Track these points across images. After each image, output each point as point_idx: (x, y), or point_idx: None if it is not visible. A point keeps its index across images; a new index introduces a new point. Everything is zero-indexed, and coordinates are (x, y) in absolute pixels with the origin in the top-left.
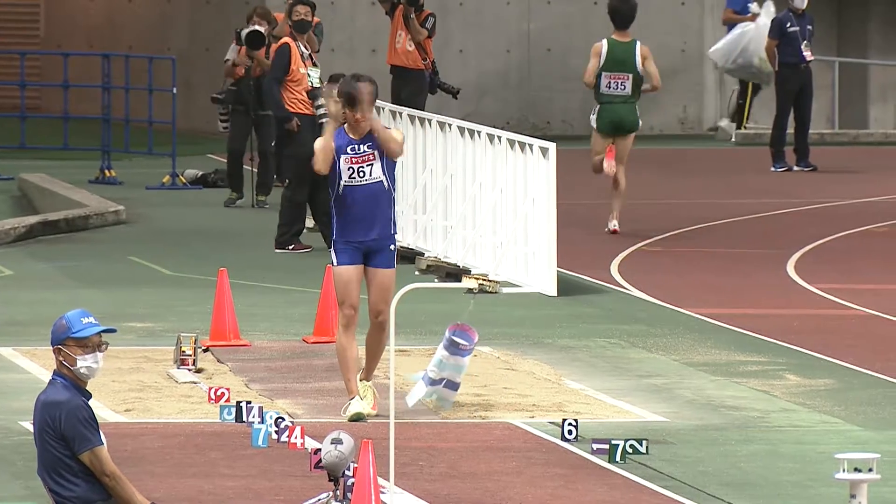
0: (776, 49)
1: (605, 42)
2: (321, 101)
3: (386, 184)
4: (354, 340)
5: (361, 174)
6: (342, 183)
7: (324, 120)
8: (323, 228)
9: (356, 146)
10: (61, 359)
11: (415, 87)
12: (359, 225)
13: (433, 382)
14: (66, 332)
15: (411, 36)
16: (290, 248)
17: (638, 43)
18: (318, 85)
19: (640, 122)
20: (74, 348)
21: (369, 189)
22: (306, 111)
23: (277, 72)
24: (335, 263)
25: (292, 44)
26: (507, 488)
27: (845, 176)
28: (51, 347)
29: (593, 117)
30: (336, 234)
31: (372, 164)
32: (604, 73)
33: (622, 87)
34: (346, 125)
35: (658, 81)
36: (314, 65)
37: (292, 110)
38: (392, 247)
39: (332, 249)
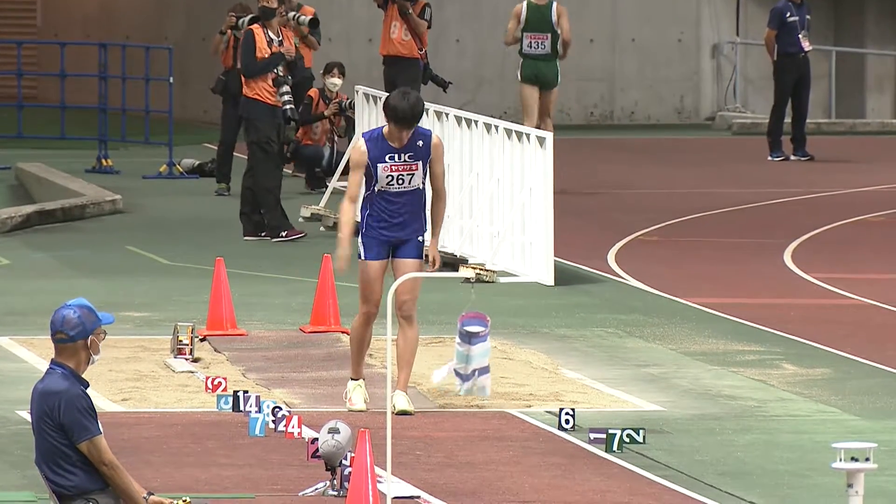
0: (775, 39)
1: (524, 5)
2: (285, 88)
3: (421, 187)
4: (371, 331)
5: (401, 181)
6: (377, 187)
7: (288, 107)
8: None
9: (397, 155)
10: (90, 348)
11: (410, 75)
12: (390, 224)
13: (466, 378)
14: (97, 322)
15: (411, 28)
16: (284, 234)
17: (555, 4)
18: (283, 73)
19: (560, 79)
20: (102, 336)
21: (406, 195)
22: (269, 100)
23: (246, 59)
24: (362, 257)
25: (257, 30)
26: (504, 478)
27: (842, 165)
28: (50, 337)
29: (518, 72)
30: (364, 227)
31: (413, 174)
32: (525, 34)
33: (542, 47)
34: (385, 131)
35: (568, 36)
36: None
37: (256, 98)
38: (419, 238)
39: (359, 242)
